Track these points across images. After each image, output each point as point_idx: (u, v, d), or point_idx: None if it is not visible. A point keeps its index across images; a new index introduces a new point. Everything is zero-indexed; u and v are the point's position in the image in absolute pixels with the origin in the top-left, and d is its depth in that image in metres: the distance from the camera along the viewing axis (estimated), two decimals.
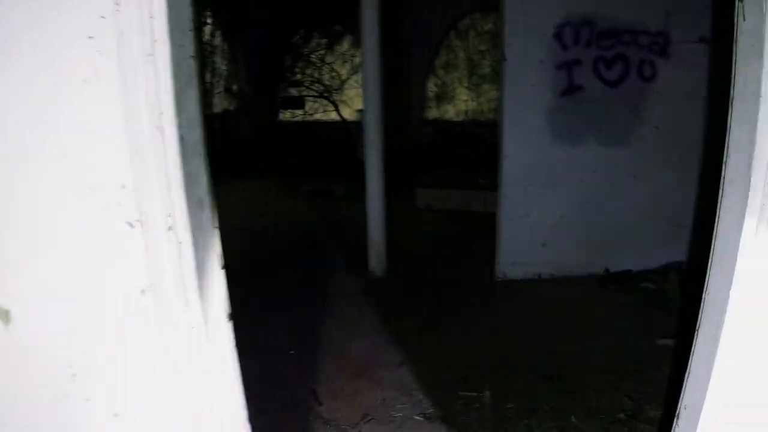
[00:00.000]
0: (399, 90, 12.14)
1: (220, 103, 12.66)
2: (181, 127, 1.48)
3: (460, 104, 12.98)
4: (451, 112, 13.08)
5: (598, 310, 5.16)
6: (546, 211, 5.59)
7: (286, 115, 13.74)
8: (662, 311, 5.09)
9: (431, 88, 13.02)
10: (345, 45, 13.33)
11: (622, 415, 3.52)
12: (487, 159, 9.80)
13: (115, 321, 1.57)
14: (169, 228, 1.51)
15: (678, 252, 5.90)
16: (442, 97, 13.07)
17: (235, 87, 13.06)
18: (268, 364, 4.07)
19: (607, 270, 5.81)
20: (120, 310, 1.56)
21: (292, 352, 4.34)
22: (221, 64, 12.65)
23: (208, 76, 12.10)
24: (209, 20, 12.07)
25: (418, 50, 12.45)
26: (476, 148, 10.30)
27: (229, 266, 1.78)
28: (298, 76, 13.55)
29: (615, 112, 5.44)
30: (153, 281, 1.54)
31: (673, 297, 5.37)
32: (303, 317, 4.97)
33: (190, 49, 1.54)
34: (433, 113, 13.13)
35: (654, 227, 5.81)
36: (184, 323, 1.59)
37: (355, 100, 13.39)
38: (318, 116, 13.65)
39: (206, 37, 12.03)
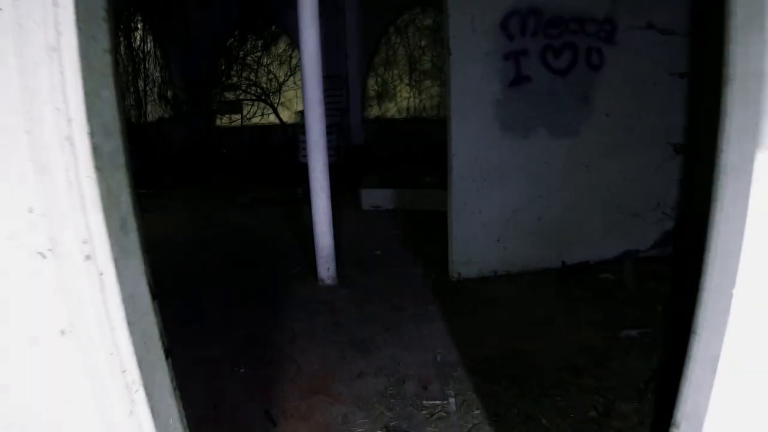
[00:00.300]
0: (338, 90, 11.95)
1: (154, 111, 12.18)
2: (94, 135, 1.24)
3: (402, 102, 12.78)
4: (392, 110, 12.88)
5: (558, 305, 5.06)
6: (498, 206, 5.44)
7: (223, 121, 13.36)
8: (620, 302, 5.03)
9: (371, 86, 12.81)
10: (282, 46, 13.01)
11: (593, 413, 3.40)
12: (433, 156, 9.71)
13: (30, 371, 1.32)
14: (87, 257, 1.26)
15: (633, 241, 5.87)
16: (383, 95, 12.86)
17: (169, 93, 12.61)
18: (215, 385, 3.82)
19: (564, 263, 5.71)
20: (34, 357, 1.31)
21: (242, 370, 4.09)
22: (154, 71, 12.18)
23: (141, 84, 11.65)
24: (140, 25, 11.60)
25: (356, 48, 12.26)
26: (421, 146, 10.16)
27: (157, 296, 1.53)
28: (235, 80, 13.18)
29: (564, 102, 5.32)
30: (73, 320, 1.29)
31: (631, 286, 5.31)
32: (251, 332, 4.71)
33: (104, 41, 1.30)
34: (374, 112, 12.92)
35: (608, 217, 5.74)
36: (113, 367, 1.34)
37: (294, 102, 13.12)
38: (257, 120, 13.29)
39: (137, 42, 11.57)
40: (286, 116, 12.92)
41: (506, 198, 5.43)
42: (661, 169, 5.71)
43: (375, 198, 8.02)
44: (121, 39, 11.06)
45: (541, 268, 5.70)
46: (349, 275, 5.80)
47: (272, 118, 12.92)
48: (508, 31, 5.08)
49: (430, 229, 7.06)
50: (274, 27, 12.85)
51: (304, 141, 5.50)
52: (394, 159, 9.57)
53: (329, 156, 9.55)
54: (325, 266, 5.55)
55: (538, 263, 5.69)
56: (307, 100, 5.18)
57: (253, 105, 13.09)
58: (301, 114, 11.69)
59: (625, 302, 5.03)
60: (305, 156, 5.17)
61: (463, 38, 4.98)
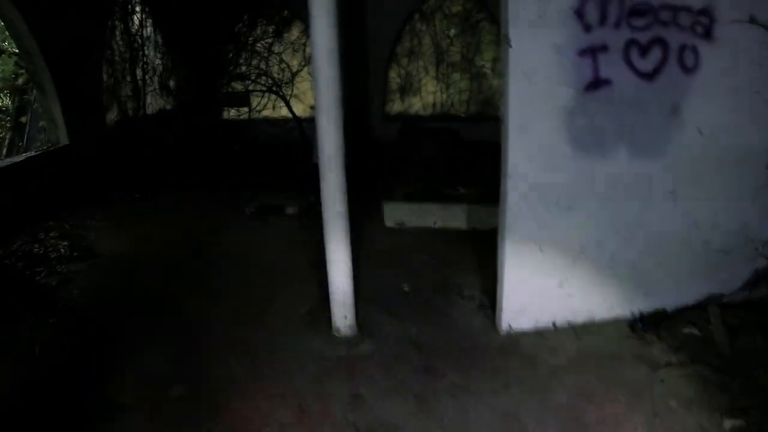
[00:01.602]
0: (356, 82, 10.81)
1: (154, 103, 11.06)
2: None
3: (428, 96, 11.62)
4: (417, 105, 11.72)
5: (635, 371, 3.98)
6: (563, 242, 4.30)
7: (230, 114, 12.19)
8: (713, 369, 3.94)
9: (394, 78, 11.64)
10: (295, 32, 11.84)
11: None
12: (463, 159, 8.60)
13: None
14: None
15: (717, 283, 4.71)
16: (406, 89, 11.69)
17: (172, 83, 11.48)
18: None
19: (641, 314, 4.56)
20: None
21: None
22: (155, 58, 11.05)
23: (139, 72, 10.52)
24: (138, 8, 10.46)
25: (377, 37, 11.09)
26: (450, 147, 9.02)
27: None
28: (243, 69, 12.03)
29: (650, 113, 4.14)
30: None
31: (723, 346, 4.18)
32: (245, 402, 3.67)
33: None
34: (396, 107, 11.76)
35: (691, 255, 4.58)
36: None
37: (308, 95, 11.95)
38: (267, 113, 12.11)
39: (135, 27, 10.43)
40: (300, 110, 11.77)
41: (574, 232, 4.29)
42: (756, 198, 4.52)
43: (400, 214, 6.85)
44: (117, 22, 9.92)
45: (610, 318, 4.58)
46: (370, 320, 4.71)
47: (284, 112, 11.80)
48: (584, 19, 3.91)
49: (466, 256, 5.91)
50: (286, 12, 11.67)
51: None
52: (420, 162, 8.41)
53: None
54: (342, 313, 4.43)
55: (606, 311, 4.57)
56: (321, 108, 4.04)
57: (263, 97, 11.89)
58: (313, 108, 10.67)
59: (719, 369, 3.94)
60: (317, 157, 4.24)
61: (526, 26, 3.84)
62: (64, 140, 8.61)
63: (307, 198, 7.65)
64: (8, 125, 11.47)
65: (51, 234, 7.23)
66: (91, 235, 7.14)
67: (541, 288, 4.39)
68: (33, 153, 8.34)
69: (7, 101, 12.30)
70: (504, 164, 4.12)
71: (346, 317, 4.43)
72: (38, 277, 6.02)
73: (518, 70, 3.88)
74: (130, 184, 9.08)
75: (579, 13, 3.88)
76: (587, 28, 3.92)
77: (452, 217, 6.72)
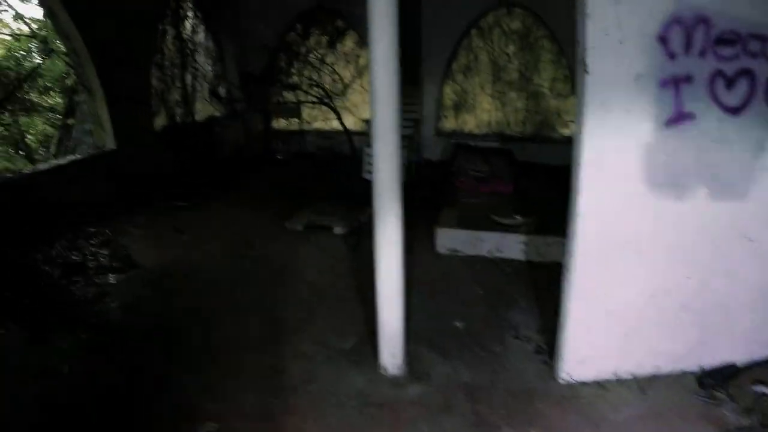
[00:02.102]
0: (410, 97, 10.50)
1: (204, 109, 10.93)
2: None
3: (482, 114, 11.26)
4: (471, 123, 11.36)
5: None
6: (632, 289, 3.92)
7: (280, 123, 12.02)
8: None
9: (448, 94, 11.31)
10: (349, 43, 11.61)
11: None
12: (518, 181, 8.22)
13: None
14: None
15: None
16: (460, 106, 11.35)
17: (222, 90, 11.36)
18: None
19: (709, 369, 4.16)
20: None
21: None
22: (205, 65, 10.93)
23: (189, 78, 10.40)
24: (190, 13, 10.35)
25: (433, 51, 10.78)
26: (505, 168, 8.63)
27: None
28: (295, 79, 11.84)
29: (734, 152, 3.73)
30: None
31: None
32: None
33: None
34: (450, 124, 11.42)
35: (765, 304, 4.13)
36: None
37: (360, 107, 11.70)
38: (317, 125, 11.91)
39: (187, 33, 10.32)
40: (351, 122, 11.53)
41: (644, 279, 3.90)
42: None
43: (454, 240, 6.49)
44: (169, 27, 9.82)
45: (677, 371, 4.17)
46: (419, 359, 4.37)
47: (335, 124, 11.56)
48: (668, 46, 3.53)
49: (522, 290, 5.53)
50: (340, 22, 11.45)
51: (370, 155, 4.08)
52: (475, 184, 8.04)
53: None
54: (390, 350, 4.11)
55: (673, 364, 4.16)
56: (377, 130, 3.74)
57: (314, 108, 11.69)
58: (368, 123, 10.39)
59: None
60: (370, 172, 3.89)
61: (606, 52, 3.48)
62: (110, 144, 8.50)
63: (356, 217, 7.36)
64: (58, 124, 11.49)
65: (91, 241, 7.08)
66: (132, 244, 6.95)
67: (605, 336, 4.01)
68: (78, 156, 8.23)
69: (58, 100, 12.36)
70: (573, 201, 3.76)
71: (393, 355, 4.11)
72: (74, 287, 5.85)
73: (595, 99, 3.51)
74: (176, 191, 8.93)
75: (663, 40, 3.51)
76: (671, 56, 3.54)
77: (508, 246, 6.34)
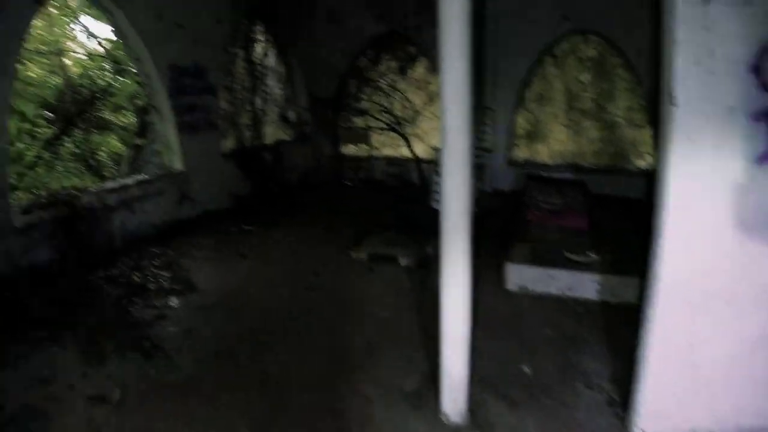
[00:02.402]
0: (484, 125, 10.27)
1: (273, 133, 10.96)
2: None
3: (555, 144, 10.90)
4: (544, 152, 11.01)
5: None
6: (719, 343, 3.54)
7: (349, 149, 11.94)
8: None
9: (521, 123, 11.01)
10: (420, 70, 11.47)
11: None
12: (593, 216, 7.85)
13: None
14: None
15: None
16: (533, 135, 11.03)
17: (291, 114, 11.36)
18: None
19: None
20: None
21: None
22: (275, 88, 10.96)
23: (258, 102, 10.44)
24: (261, 37, 10.40)
25: (506, 79, 10.50)
26: (579, 201, 8.28)
27: None
28: (365, 104, 11.76)
29: None
30: None
31: None
32: None
33: None
34: (522, 153, 11.10)
35: None
36: None
37: (430, 135, 11.51)
38: (386, 151, 11.77)
39: (257, 56, 10.37)
40: (421, 150, 11.36)
41: (734, 330, 3.52)
42: None
43: (524, 277, 6.16)
44: (239, 51, 9.87)
45: (759, 428, 3.76)
46: (483, 406, 4.06)
47: (404, 151, 11.41)
48: (762, 77, 3.21)
49: (594, 334, 5.15)
50: (412, 49, 11.32)
51: (439, 184, 3.85)
52: (547, 217, 7.72)
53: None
54: (452, 396, 3.84)
55: (753, 418, 3.75)
56: (448, 163, 3.53)
57: (383, 134, 11.59)
58: (437, 150, 10.16)
59: None
60: (438, 201, 3.65)
61: (694, 82, 3.17)
62: (177, 165, 8.56)
63: (423, 249, 7.12)
64: (131, 143, 11.69)
65: (154, 262, 7.08)
66: (194, 267, 6.91)
67: (685, 391, 3.64)
68: (145, 176, 8.29)
69: (131, 119, 12.60)
70: (654, 243, 3.44)
71: (456, 402, 3.83)
72: (133, 309, 5.81)
73: (682, 134, 3.20)
74: (242, 215, 8.91)
75: (756, 70, 3.19)
76: (764, 88, 3.22)
77: (581, 285, 5.97)
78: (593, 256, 6.36)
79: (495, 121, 10.54)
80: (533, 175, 10.25)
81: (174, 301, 6.01)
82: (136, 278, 6.58)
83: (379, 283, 6.48)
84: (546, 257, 6.41)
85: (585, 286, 5.99)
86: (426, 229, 7.94)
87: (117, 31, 7.92)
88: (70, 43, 12.71)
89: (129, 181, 8.03)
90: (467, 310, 3.70)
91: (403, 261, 6.94)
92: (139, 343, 5.04)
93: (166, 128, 8.48)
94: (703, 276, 3.40)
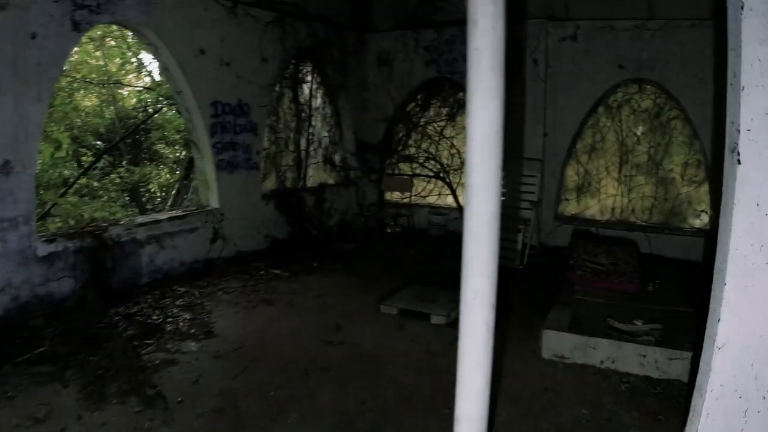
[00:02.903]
0: (533, 176, 9.88)
1: (316, 175, 10.71)
2: None
3: (607, 199, 10.37)
4: (594, 208, 10.49)
5: None
6: None
7: (393, 195, 11.59)
8: None
9: (571, 176, 10.54)
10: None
11: None
12: (643, 277, 7.34)
13: None
14: None
15: None
16: (583, 189, 10.53)
17: (337, 157, 11.13)
18: None
19: None
20: None
21: None
22: (322, 130, 10.76)
23: (303, 143, 10.23)
24: (309, 77, 10.23)
25: (557, 129, 10.09)
26: (630, 262, 7.78)
27: None
28: (412, 150, 11.46)
29: None
30: None
31: None
32: None
33: None
34: (571, 208, 10.60)
35: None
36: None
37: None
38: (431, 199, 11.36)
39: (305, 97, 10.20)
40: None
41: None
42: None
43: (561, 345, 5.60)
44: (286, 90, 9.71)
45: None
46: None
47: (450, 200, 11.04)
48: None
49: (637, 417, 4.59)
50: (461, 94, 11.00)
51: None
52: (593, 279, 7.22)
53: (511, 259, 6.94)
54: None
55: None
56: (470, 222, 3.15)
57: (429, 182, 11.22)
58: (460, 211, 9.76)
59: None
60: None
61: (763, 135, 2.74)
62: (214, 203, 8.35)
63: (458, 306, 6.68)
64: (180, 177, 11.63)
65: (177, 302, 6.83)
66: (215, 310, 6.62)
67: None
68: (178, 212, 8.12)
69: (181, 153, 12.59)
70: (710, 325, 2.96)
71: None
72: (145, 350, 5.51)
73: (748, 196, 2.75)
74: (276, 258, 8.62)
75: None
76: None
77: (624, 357, 5.40)
78: (640, 325, 5.83)
79: (544, 173, 10.10)
80: (581, 231, 9.76)
81: (189, 346, 5.70)
82: (155, 317, 6.34)
83: (406, 341, 6.03)
84: (587, 324, 5.90)
85: (629, 359, 5.43)
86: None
87: (161, 65, 7.86)
88: (127, 75, 12.90)
89: (161, 215, 7.85)
90: (485, 401, 3.24)
91: (435, 319, 6.48)
92: (143, 389, 4.74)
93: (205, 164, 8.32)
94: (764, 368, 2.90)
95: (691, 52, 9.05)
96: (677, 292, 7.08)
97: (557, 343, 5.64)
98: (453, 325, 6.33)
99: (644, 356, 5.35)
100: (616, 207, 10.32)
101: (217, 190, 8.34)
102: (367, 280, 8.03)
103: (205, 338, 5.87)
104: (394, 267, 8.76)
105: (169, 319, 6.29)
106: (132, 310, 6.48)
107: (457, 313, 6.53)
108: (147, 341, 5.71)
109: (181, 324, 6.18)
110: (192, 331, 6.03)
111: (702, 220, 9.85)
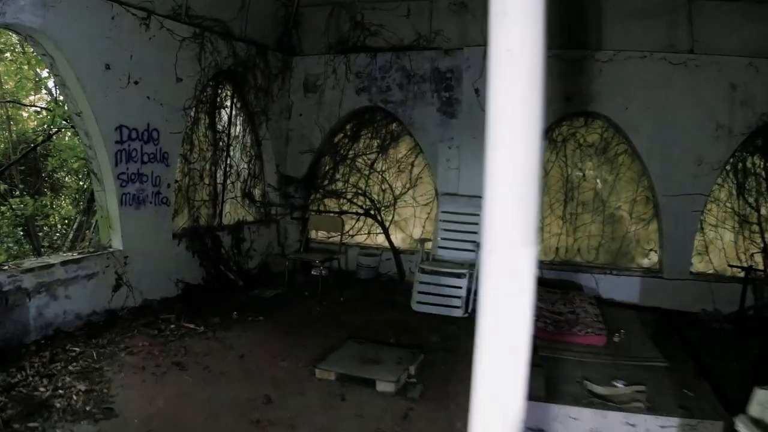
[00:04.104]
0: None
1: (233, 212, 9.58)
2: None
3: (550, 239, 9.71)
4: (537, 248, 9.77)
5: None
6: None
7: (319, 234, 10.55)
8: None
9: None
10: (402, 149, 10.29)
11: None
12: (606, 326, 6.65)
13: None
14: None
15: None
16: None
17: (257, 192, 10.05)
18: None
19: None
20: None
21: None
22: (241, 161, 9.67)
23: (219, 176, 9.12)
24: (228, 102, 9.18)
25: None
26: (590, 310, 7.08)
27: None
28: (339, 185, 10.52)
29: None
30: None
31: None
32: None
33: None
34: None
35: None
36: None
37: (410, 222, 10.26)
38: (360, 239, 10.43)
39: (223, 124, 9.12)
40: (399, 240, 10.10)
41: None
42: None
43: (538, 418, 4.67)
44: (202, 115, 8.62)
45: None
46: None
47: (381, 239, 10.14)
48: None
49: None
50: (395, 125, 10.20)
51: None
52: (555, 333, 6.44)
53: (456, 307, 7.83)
54: None
55: None
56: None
57: (358, 220, 10.28)
58: (420, 242, 8.92)
59: None
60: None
61: None
62: (117, 243, 7.17)
63: (406, 368, 5.75)
64: (79, 209, 10.24)
65: (70, 366, 5.61)
66: (116, 379, 5.43)
67: None
68: (73, 255, 6.88)
69: (85, 183, 11.11)
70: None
71: None
72: None
73: None
74: (188, 307, 7.45)
75: None
76: None
77: (611, 428, 4.55)
78: (621, 386, 5.06)
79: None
80: None
81: (82, 428, 4.52)
82: (42, 389, 5.10)
83: (351, 417, 4.96)
84: (563, 388, 5.07)
85: (616, 429, 4.63)
86: (412, 337, 6.63)
87: (58, 80, 6.68)
88: (27, 94, 11.40)
89: (53, 259, 6.61)
90: None
91: (382, 386, 5.43)
92: None
93: (107, 198, 7.10)
94: None
95: (637, 83, 8.66)
96: (643, 342, 6.43)
97: (533, 416, 4.76)
98: (403, 392, 5.41)
99: (633, 426, 4.57)
100: (560, 247, 9.68)
101: (121, 229, 7.13)
102: (296, 334, 6.96)
103: (104, 418, 4.66)
104: (325, 317, 7.74)
105: (60, 392, 5.05)
106: (14, 378, 5.22)
107: (407, 378, 5.66)
108: (30, 424, 4.50)
109: (75, 398, 4.95)
110: (88, 408, 4.80)
111: (650, 259, 9.35)
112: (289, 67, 10.20)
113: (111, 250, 7.09)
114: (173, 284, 7.89)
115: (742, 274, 8.20)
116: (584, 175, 9.56)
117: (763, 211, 8.86)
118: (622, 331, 6.65)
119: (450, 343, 6.87)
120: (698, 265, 9.08)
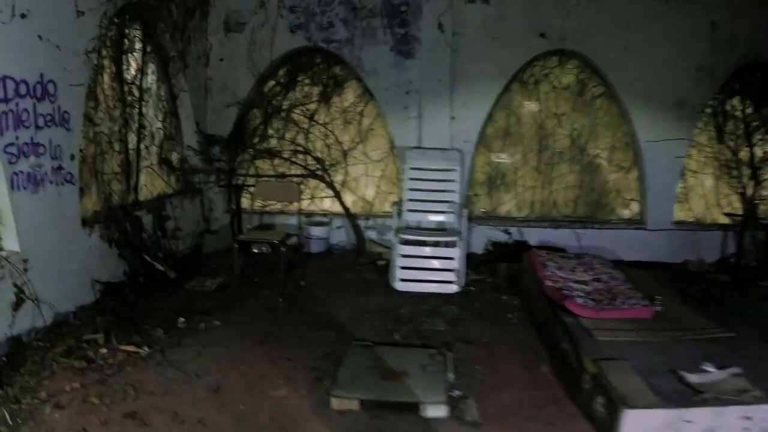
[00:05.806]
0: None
1: (150, 184, 7.70)
2: None
3: (525, 192, 8.63)
4: (510, 203, 8.70)
5: None
6: None
7: (254, 203, 8.83)
8: None
9: (480, 167, 8.64)
10: (350, 96, 8.74)
11: None
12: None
13: None
14: None
15: None
16: (495, 182, 8.70)
17: (175, 157, 8.19)
18: None
19: None
20: None
21: None
22: (154, 119, 7.75)
23: (132, 139, 7.19)
24: (138, 46, 7.22)
25: (466, 111, 8.31)
26: (615, 275, 6.11)
27: None
28: (273, 143, 8.85)
29: None
30: None
31: None
32: None
33: None
34: (481, 205, 8.71)
35: None
36: None
37: (363, 183, 8.81)
38: (304, 205, 8.73)
39: (133, 73, 7.16)
40: (351, 203, 8.63)
41: None
42: None
43: (646, 426, 3.62)
44: (106, 62, 6.61)
45: None
46: None
47: (328, 204, 8.70)
48: None
49: None
50: (339, 68, 8.62)
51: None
52: (595, 307, 5.32)
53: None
54: None
55: None
56: None
57: (301, 182, 8.54)
58: (396, 206, 7.43)
59: None
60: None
61: None
62: (11, 244, 5.14)
63: (444, 379, 4.40)
64: None
65: None
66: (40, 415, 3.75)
67: None
68: None
69: None
70: None
71: None
72: None
73: None
74: (114, 316, 5.64)
75: None
76: None
77: (726, 426, 3.57)
78: (716, 372, 4.02)
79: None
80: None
81: None
82: None
83: None
84: (657, 384, 3.91)
85: (732, 426, 3.63)
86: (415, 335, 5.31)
87: None
88: None
89: None
90: None
91: (432, 410, 4.05)
92: None
93: None
94: None
95: (620, 20, 7.95)
96: (682, 309, 5.59)
97: (641, 427, 3.60)
98: (456, 415, 4.06)
99: (750, 419, 3.63)
100: (535, 201, 8.62)
101: (16, 223, 5.18)
102: (272, 343, 5.33)
103: None
104: (295, 312, 6.18)
105: None
106: None
107: (459, 392, 4.28)
108: None
109: None
110: None
111: (631, 210, 8.53)
112: (206, 0, 8.29)
113: (3, 254, 5.14)
114: (89, 287, 6.06)
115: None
116: (559, 120, 8.47)
117: (742, 155, 8.40)
118: (659, 297, 5.70)
119: (462, 331, 5.67)
120: (678, 213, 8.53)
